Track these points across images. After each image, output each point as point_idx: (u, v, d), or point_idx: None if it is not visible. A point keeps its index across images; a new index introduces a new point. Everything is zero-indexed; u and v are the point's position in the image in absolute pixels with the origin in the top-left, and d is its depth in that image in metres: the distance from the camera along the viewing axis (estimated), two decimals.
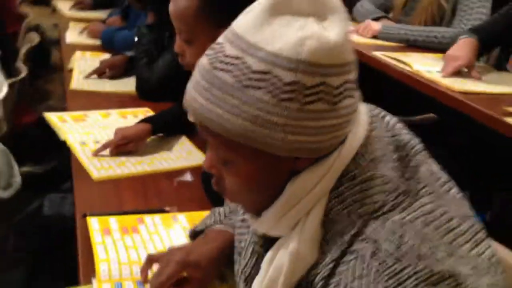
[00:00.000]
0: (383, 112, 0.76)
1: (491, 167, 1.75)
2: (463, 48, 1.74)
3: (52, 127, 1.59)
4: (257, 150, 0.63)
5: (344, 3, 0.65)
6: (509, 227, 1.85)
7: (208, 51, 0.66)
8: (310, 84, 0.60)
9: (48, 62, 3.48)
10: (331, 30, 0.62)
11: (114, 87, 1.99)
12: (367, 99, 0.72)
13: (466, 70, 1.71)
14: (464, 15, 2.13)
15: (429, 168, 0.71)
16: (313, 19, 0.63)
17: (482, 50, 1.82)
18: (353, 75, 0.64)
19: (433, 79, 1.66)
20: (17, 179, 1.63)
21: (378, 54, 1.92)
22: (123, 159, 1.43)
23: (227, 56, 0.62)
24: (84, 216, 1.11)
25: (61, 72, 2.33)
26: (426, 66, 1.79)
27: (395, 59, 1.86)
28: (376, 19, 2.40)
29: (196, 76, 0.66)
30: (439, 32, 2.13)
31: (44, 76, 3.29)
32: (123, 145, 1.43)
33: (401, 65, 1.80)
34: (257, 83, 0.60)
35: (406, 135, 0.73)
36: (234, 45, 0.62)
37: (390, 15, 2.49)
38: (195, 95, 0.65)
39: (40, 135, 1.93)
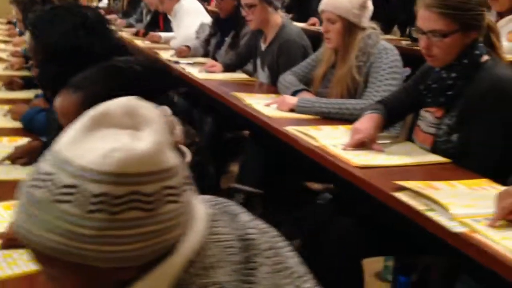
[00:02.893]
0: (240, 209, 0.79)
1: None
2: (365, 122, 1.82)
3: None
4: (77, 264, 0.64)
5: None
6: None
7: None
8: (119, 194, 0.62)
9: None
10: (143, 140, 0.65)
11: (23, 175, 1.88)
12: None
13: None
14: (374, 87, 2.25)
15: (276, 267, 0.72)
16: (129, 131, 0.66)
17: (385, 123, 1.91)
18: (175, 180, 0.66)
19: (335, 153, 1.72)
20: None
21: (289, 128, 1.98)
22: None
23: (41, 173, 0.65)
24: None
25: None
26: (333, 140, 1.86)
27: (303, 133, 1.92)
28: (297, 91, 2.49)
29: (19, 195, 0.68)
30: (351, 104, 2.23)
31: None
32: None
33: (308, 139, 1.86)
34: (66, 197, 0.62)
35: (254, 234, 0.74)
36: (50, 162, 0.65)
37: (312, 87, 2.59)
38: (17, 216, 0.66)
39: None
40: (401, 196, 1.41)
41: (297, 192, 2.56)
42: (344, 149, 1.74)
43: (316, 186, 2.35)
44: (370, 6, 2.40)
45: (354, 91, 2.36)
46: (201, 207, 0.73)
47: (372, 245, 1.76)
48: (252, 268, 0.70)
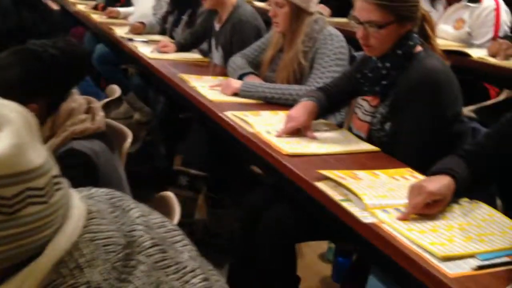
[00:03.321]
0: (133, 205, 0.79)
1: None
2: (300, 109, 1.85)
3: None
4: None
5: None
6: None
7: None
8: None
9: None
10: (0, 142, 0.63)
11: None
12: None
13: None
14: (317, 74, 2.26)
15: (160, 263, 0.73)
16: None
17: (324, 111, 1.94)
18: (41, 181, 0.66)
19: (268, 140, 1.75)
20: None
21: (228, 113, 1.99)
22: None
23: None
24: None
25: None
26: (269, 126, 1.88)
27: (241, 118, 1.94)
28: (244, 74, 2.50)
29: None
30: (294, 89, 2.25)
31: None
32: None
33: (245, 125, 1.88)
34: None
35: (140, 231, 0.75)
36: None
37: (260, 71, 2.60)
38: None
39: None
40: (322, 185, 1.44)
41: (241, 176, 2.59)
42: (278, 136, 1.77)
43: (259, 170, 2.38)
44: None
45: (300, 76, 2.37)
46: (79, 205, 0.73)
47: (305, 230, 1.80)
48: (132, 266, 0.70)
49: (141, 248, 0.73)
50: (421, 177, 1.57)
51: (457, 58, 2.39)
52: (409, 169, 1.63)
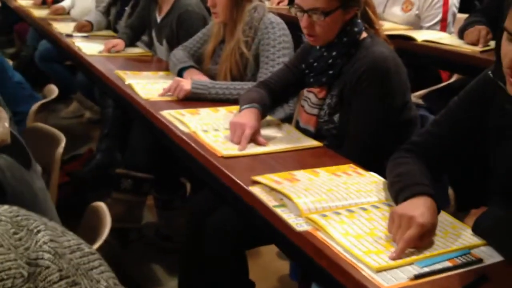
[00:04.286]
0: (41, 226, 0.68)
1: None
2: (247, 115, 1.70)
3: None
4: None
5: None
6: None
7: None
8: None
9: None
10: None
11: None
12: None
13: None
14: (266, 67, 2.13)
15: None
16: None
17: (265, 113, 1.81)
18: None
19: (203, 141, 1.63)
20: None
21: (164, 113, 1.87)
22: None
23: None
24: None
25: None
26: (206, 125, 1.77)
27: (177, 119, 1.81)
28: (184, 68, 2.37)
29: None
30: (247, 86, 2.08)
31: None
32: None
33: (180, 125, 1.76)
34: None
35: (46, 260, 0.64)
36: None
37: (203, 64, 2.47)
38: None
39: None
40: (257, 190, 1.34)
41: (188, 177, 2.48)
42: (240, 150, 1.59)
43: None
44: None
45: (243, 67, 2.25)
46: None
47: (252, 235, 1.70)
48: None
49: (46, 283, 0.62)
50: (363, 172, 1.48)
51: (403, 42, 2.31)
52: (351, 164, 1.54)
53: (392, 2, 2.80)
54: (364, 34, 1.75)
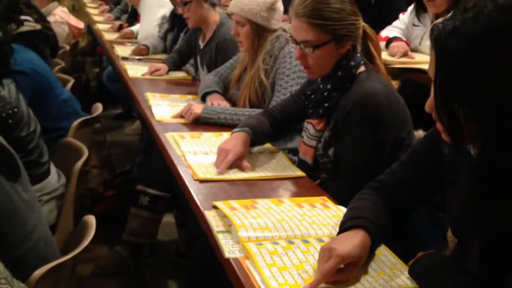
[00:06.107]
0: None
1: None
2: (233, 141, 1.75)
3: None
4: None
5: None
6: None
7: None
8: None
9: None
10: None
11: None
12: None
13: None
14: (278, 95, 2.16)
15: None
16: None
17: (258, 138, 1.84)
18: None
19: (188, 163, 1.69)
20: None
21: (168, 134, 1.96)
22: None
23: None
24: None
25: None
26: (199, 147, 1.83)
27: (175, 140, 1.89)
28: (208, 93, 2.46)
29: None
30: (255, 112, 2.10)
31: None
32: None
33: (176, 148, 1.83)
34: None
35: None
36: None
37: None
38: None
39: None
40: (211, 214, 1.37)
41: None
42: (219, 173, 1.64)
43: None
44: (280, 8, 2.33)
45: (262, 95, 2.30)
46: None
47: None
48: None
49: None
50: (332, 206, 1.46)
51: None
52: (324, 197, 1.52)
53: (428, 36, 2.71)
54: (362, 68, 1.72)
